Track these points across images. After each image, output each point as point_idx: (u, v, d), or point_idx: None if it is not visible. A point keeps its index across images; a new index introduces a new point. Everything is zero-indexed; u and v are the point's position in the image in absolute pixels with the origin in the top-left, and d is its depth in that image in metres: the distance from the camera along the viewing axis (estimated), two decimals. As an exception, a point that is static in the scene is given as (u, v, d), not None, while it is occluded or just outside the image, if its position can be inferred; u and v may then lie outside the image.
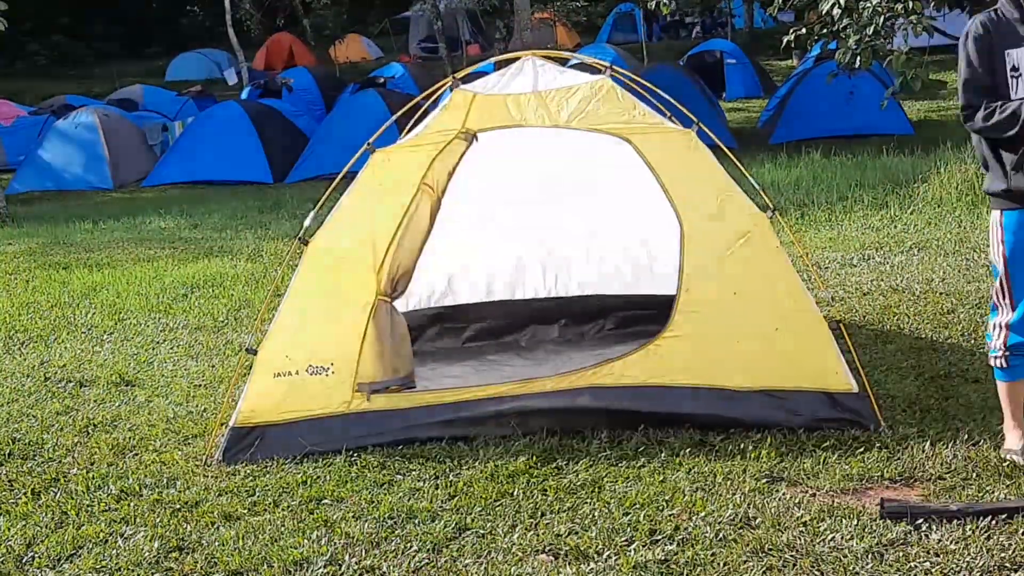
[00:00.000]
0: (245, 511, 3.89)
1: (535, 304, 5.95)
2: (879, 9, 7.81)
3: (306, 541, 3.60)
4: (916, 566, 3.20)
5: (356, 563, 3.44)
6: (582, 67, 5.73)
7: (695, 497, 3.74)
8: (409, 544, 3.54)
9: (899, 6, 7.63)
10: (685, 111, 4.75)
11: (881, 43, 8.27)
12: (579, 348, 5.53)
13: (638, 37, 30.02)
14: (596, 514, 3.66)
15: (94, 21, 40.23)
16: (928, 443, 4.05)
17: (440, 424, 4.40)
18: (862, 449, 4.05)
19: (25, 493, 4.19)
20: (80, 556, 3.63)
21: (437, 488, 3.97)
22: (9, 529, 3.86)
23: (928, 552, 3.27)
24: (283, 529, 3.71)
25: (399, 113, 5.13)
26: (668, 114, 4.89)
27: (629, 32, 32.87)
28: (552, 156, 5.42)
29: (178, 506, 3.97)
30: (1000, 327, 3.90)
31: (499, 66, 5.15)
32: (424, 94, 5.27)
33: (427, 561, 3.43)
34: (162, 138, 18.95)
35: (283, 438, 4.34)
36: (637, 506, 3.69)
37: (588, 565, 3.33)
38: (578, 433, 4.37)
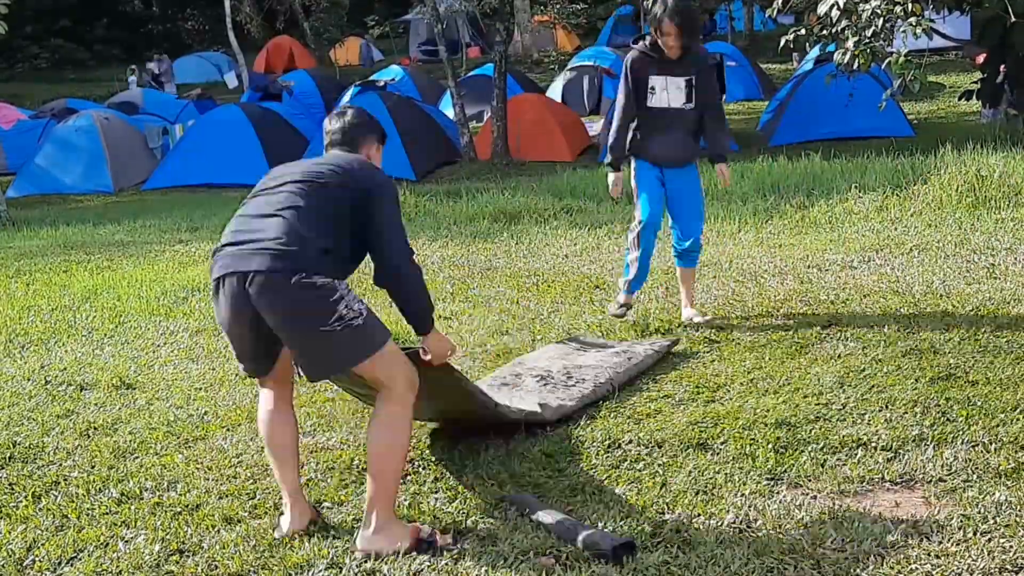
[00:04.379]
0: (246, 514, 3.89)
1: None
2: (878, 11, 7.80)
3: (307, 544, 3.59)
4: (917, 568, 3.20)
5: (357, 566, 3.44)
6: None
7: (696, 499, 3.74)
8: (410, 547, 3.53)
9: (898, 8, 7.62)
10: None
11: (880, 45, 8.26)
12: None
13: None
14: (596, 517, 3.66)
15: (94, 24, 40.28)
16: (929, 445, 4.06)
17: None
18: (862, 451, 4.05)
19: (26, 497, 4.19)
20: (81, 559, 3.63)
21: (437, 491, 3.97)
22: (10, 533, 3.86)
23: (929, 554, 3.27)
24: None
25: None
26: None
27: (629, 35, 32.87)
28: None
29: (179, 509, 3.97)
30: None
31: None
32: None
33: (428, 564, 3.43)
34: (162, 141, 19.00)
35: None
36: (638, 508, 3.69)
37: (589, 568, 3.32)
38: (578, 435, 4.37)
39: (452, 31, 28.41)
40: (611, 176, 6.03)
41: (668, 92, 5.77)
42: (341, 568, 3.44)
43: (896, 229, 8.50)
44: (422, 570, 3.40)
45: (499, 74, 16.63)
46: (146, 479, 4.28)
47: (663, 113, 5.80)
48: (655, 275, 7.49)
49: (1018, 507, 3.52)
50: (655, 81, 5.76)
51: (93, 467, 4.46)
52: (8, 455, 4.67)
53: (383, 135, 3.96)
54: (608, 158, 6.04)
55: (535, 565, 3.37)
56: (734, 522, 3.55)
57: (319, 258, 3.42)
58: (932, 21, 8.84)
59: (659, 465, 4.07)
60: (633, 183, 6.00)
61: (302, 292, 3.33)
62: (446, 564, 3.42)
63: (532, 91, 20.70)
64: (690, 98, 5.81)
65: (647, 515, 3.64)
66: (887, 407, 4.49)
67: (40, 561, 3.64)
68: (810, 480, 3.86)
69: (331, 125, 3.89)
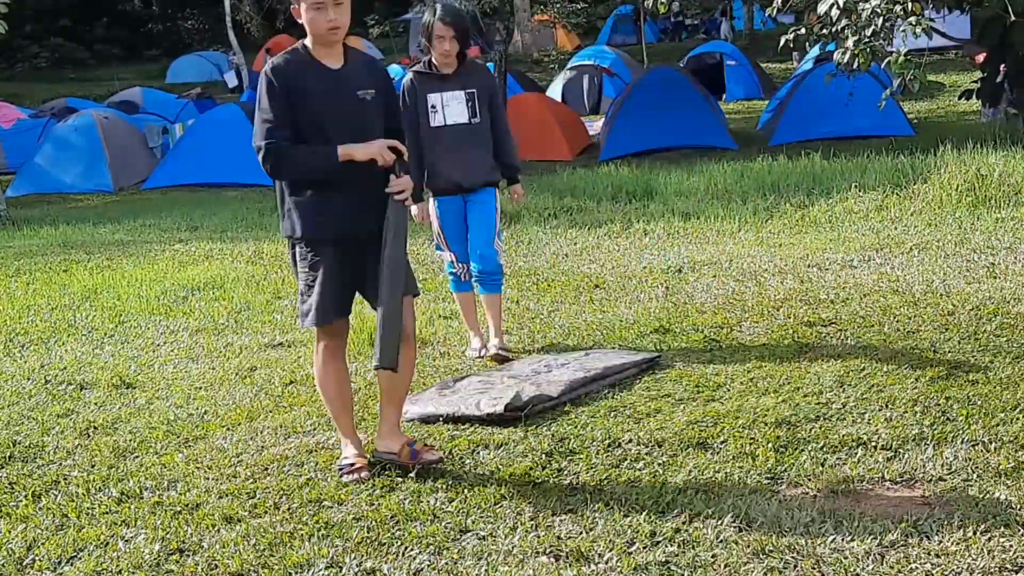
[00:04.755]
0: (246, 513, 3.89)
1: None
2: (878, 10, 7.80)
3: (307, 543, 3.59)
4: (917, 567, 3.20)
5: (357, 565, 3.44)
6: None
7: (695, 498, 3.74)
8: (410, 546, 3.54)
9: (898, 7, 7.63)
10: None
11: (880, 44, 8.27)
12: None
13: (638, 39, 30.04)
14: (597, 516, 3.66)
15: (94, 24, 40.28)
16: (929, 444, 4.06)
17: None
18: (862, 450, 4.05)
19: (26, 496, 4.19)
20: (81, 559, 3.63)
21: (437, 490, 3.97)
22: (10, 532, 3.86)
23: (929, 553, 3.27)
24: (284, 531, 3.71)
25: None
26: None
27: (629, 34, 32.92)
28: None
29: (179, 508, 3.97)
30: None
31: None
32: None
33: (428, 563, 3.43)
34: (162, 141, 18.99)
35: None
36: (638, 508, 3.69)
37: (589, 567, 3.32)
38: (578, 435, 4.38)
39: (452, 30, 28.35)
40: (414, 208, 5.59)
41: (449, 108, 5.55)
42: (341, 567, 3.44)
43: (896, 228, 8.50)
44: (422, 569, 3.40)
45: (499, 74, 16.65)
46: (146, 478, 4.28)
47: (449, 131, 5.56)
48: (655, 274, 7.49)
49: (1018, 506, 3.52)
50: (433, 99, 5.54)
51: (93, 466, 4.46)
52: (8, 454, 4.67)
53: None
54: None
55: (535, 564, 3.37)
56: (734, 522, 3.55)
57: None
58: (932, 20, 8.85)
59: (659, 464, 4.06)
60: (435, 223, 5.76)
61: None
62: (446, 564, 3.42)
63: (532, 91, 20.70)
64: (475, 112, 5.58)
65: (647, 514, 3.63)
66: (887, 406, 4.49)
67: (40, 560, 3.64)
68: (810, 479, 3.86)
69: None
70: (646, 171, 12.67)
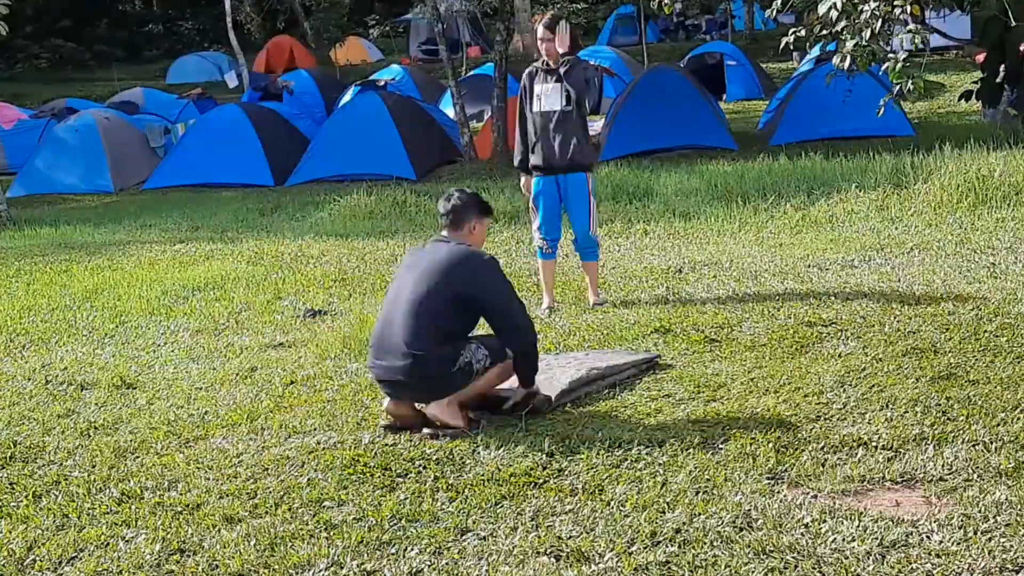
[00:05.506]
0: (247, 513, 3.89)
1: None
2: (876, 13, 7.79)
3: (308, 543, 3.60)
4: (918, 567, 3.20)
5: (357, 566, 3.44)
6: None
7: (696, 499, 3.74)
8: (411, 546, 3.54)
9: (897, 11, 7.61)
10: None
11: (880, 47, 8.26)
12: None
13: (638, 39, 30.03)
14: (597, 516, 3.66)
15: (95, 24, 40.28)
16: (929, 444, 4.06)
17: None
18: (863, 450, 4.05)
19: (26, 496, 4.19)
20: (81, 559, 3.63)
21: (438, 490, 3.97)
22: (10, 532, 3.87)
23: (930, 554, 3.27)
24: (284, 531, 3.71)
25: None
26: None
27: (629, 34, 32.89)
28: None
29: (179, 508, 3.97)
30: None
31: None
32: None
33: (428, 563, 3.43)
34: (163, 141, 18.98)
35: None
36: (638, 508, 3.69)
37: (589, 567, 3.33)
38: (579, 435, 4.38)
39: (452, 31, 28.40)
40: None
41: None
42: (341, 567, 3.44)
43: (896, 228, 8.50)
44: (423, 570, 3.40)
45: (499, 74, 16.61)
46: (147, 479, 4.28)
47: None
48: (655, 275, 7.49)
49: (1019, 506, 3.52)
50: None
51: (94, 467, 4.46)
52: (9, 454, 4.67)
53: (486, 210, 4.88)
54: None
55: (535, 564, 3.37)
56: (734, 521, 3.55)
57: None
58: (930, 31, 8.84)
59: (660, 464, 4.07)
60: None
61: None
62: (447, 564, 3.42)
63: (532, 91, 20.64)
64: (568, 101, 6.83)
65: (648, 514, 3.63)
66: (887, 406, 4.49)
67: (41, 561, 3.64)
68: (811, 479, 3.86)
69: (439, 207, 4.86)
70: (646, 171, 12.65)
